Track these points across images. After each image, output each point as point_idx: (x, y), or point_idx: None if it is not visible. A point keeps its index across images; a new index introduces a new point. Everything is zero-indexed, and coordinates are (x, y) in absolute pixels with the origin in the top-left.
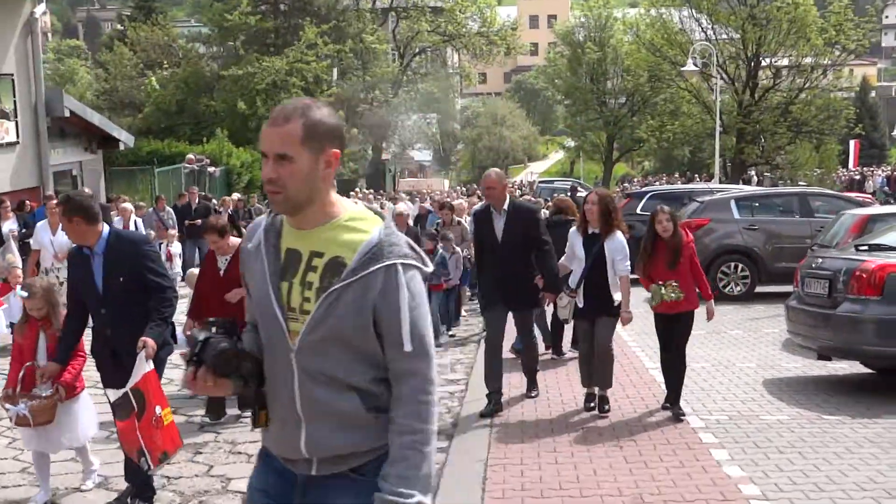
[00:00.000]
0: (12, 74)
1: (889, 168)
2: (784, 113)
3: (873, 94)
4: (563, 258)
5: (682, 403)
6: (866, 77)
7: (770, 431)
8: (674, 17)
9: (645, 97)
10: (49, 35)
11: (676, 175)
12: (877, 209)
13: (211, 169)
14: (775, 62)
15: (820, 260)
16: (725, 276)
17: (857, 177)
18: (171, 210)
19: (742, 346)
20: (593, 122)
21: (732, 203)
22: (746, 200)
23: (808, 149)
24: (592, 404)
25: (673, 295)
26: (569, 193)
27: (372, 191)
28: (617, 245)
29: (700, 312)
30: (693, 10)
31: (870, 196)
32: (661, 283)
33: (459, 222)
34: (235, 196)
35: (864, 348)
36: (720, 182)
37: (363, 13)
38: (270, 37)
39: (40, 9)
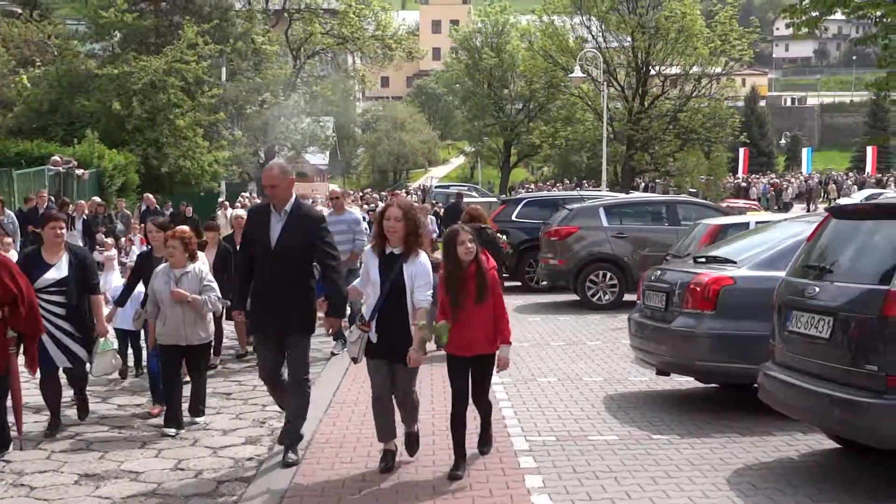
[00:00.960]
0: None
1: (772, 175)
2: (672, 121)
3: (763, 103)
4: (356, 281)
5: (514, 423)
6: (756, 87)
7: (593, 454)
8: (566, 24)
9: (541, 103)
10: None
11: (566, 181)
12: (728, 219)
13: (79, 171)
14: (664, 70)
15: (659, 272)
16: (594, 284)
17: (743, 184)
18: (11, 214)
19: (595, 359)
20: (490, 127)
21: (601, 211)
22: (615, 208)
23: (698, 156)
24: (387, 464)
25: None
26: (453, 200)
27: (259, 195)
28: (420, 268)
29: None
30: (584, 17)
31: (755, 202)
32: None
33: None
34: (96, 199)
35: (696, 364)
36: (609, 189)
37: (253, 13)
38: (151, 35)
39: None
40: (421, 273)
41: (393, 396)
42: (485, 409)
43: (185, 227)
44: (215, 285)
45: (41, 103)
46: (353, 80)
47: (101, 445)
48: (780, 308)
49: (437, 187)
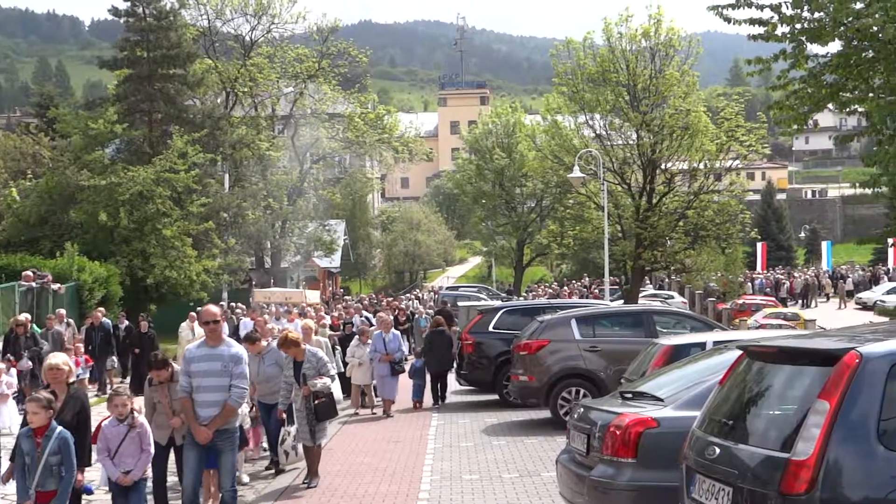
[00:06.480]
0: None
1: (779, 270)
2: (681, 218)
3: (782, 196)
4: None
5: None
6: (773, 180)
7: None
8: (570, 123)
9: (552, 203)
10: None
11: (585, 279)
12: (684, 338)
13: (55, 286)
14: (671, 167)
15: (583, 409)
16: (567, 402)
17: (741, 279)
18: None
19: (542, 496)
20: (502, 227)
21: (573, 322)
22: (588, 319)
23: (709, 253)
24: None
25: None
26: (440, 306)
27: (239, 305)
28: None
29: None
30: (588, 117)
31: (772, 299)
32: None
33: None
34: (17, 318)
35: None
36: (621, 287)
37: (258, 120)
38: (143, 145)
39: None
40: None
41: None
42: None
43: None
44: None
45: (30, 216)
46: (363, 182)
47: None
48: (686, 468)
49: (447, 289)
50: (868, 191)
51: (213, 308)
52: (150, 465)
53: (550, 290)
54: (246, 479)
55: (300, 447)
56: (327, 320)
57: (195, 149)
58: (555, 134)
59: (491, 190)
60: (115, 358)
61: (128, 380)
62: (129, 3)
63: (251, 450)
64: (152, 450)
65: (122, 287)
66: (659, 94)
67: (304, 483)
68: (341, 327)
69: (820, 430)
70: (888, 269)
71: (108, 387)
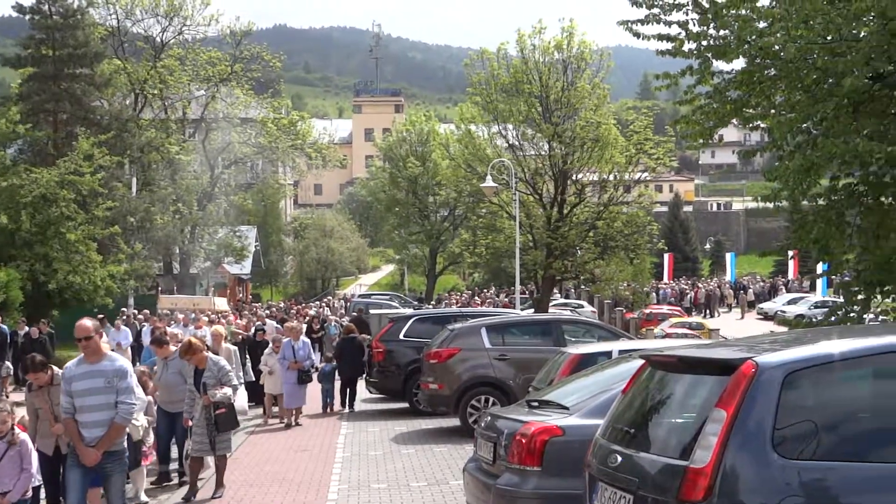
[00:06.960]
0: None
1: (682, 280)
2: (591, 228)
3: (689, 208)
4: None
5: None
6: (680, 193)
7: None
8: (484, 133)
9: (465, 211)
10: None
11: (492, 289)
12: (590, 348)
13: None
14: (581, 178)
15: (490, 417)
16: (476, 410)
17: (646, 289)
18: None
19: (448, 503)
20: (415, 235)
21: (483, 331)
22: (498, 328)
23: (618, 263)
24: None
25: None
26: (354, 314)
27: (146, 312)
28: None
29: None
30: (501, 126)
31: (678, 308)
32: None
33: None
34: None
35: None
36: (531, 297)
37: (168, 123)
38: (48, 147)
39: None
40: None
41: None
42: None
43: None
44: None
45: None
46: (275, 188)
47: None
48: (589, 476)
49: (359, 296)
50: (770, 205)
51: (86, 323)
52: (29, 487)
53: (462, 299)
54: (144, 497)
55: (210, 459)
56: (232, 327)
57: (101, 151)
58: (468, 143)
59: (404, 198)
60: (9, 364)
61: (24, 388)
62: (34, 0)
63: (151, 464)
64: (33, 470)
65: (23, 292)
66: (570, 105)
67: (184, 498)
68: (253, 333)
69: (717, 439)
70: (787, 281)
71: (3, 394)
